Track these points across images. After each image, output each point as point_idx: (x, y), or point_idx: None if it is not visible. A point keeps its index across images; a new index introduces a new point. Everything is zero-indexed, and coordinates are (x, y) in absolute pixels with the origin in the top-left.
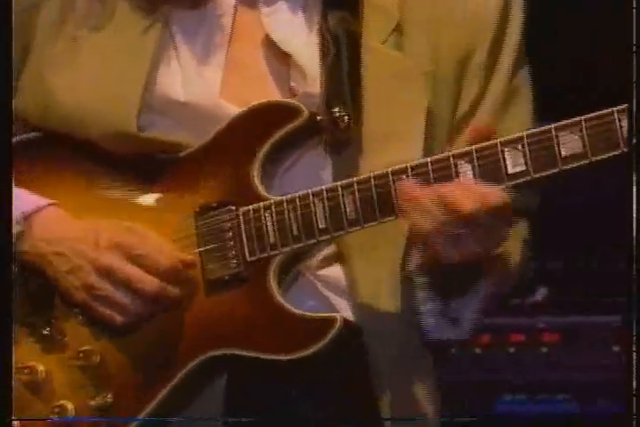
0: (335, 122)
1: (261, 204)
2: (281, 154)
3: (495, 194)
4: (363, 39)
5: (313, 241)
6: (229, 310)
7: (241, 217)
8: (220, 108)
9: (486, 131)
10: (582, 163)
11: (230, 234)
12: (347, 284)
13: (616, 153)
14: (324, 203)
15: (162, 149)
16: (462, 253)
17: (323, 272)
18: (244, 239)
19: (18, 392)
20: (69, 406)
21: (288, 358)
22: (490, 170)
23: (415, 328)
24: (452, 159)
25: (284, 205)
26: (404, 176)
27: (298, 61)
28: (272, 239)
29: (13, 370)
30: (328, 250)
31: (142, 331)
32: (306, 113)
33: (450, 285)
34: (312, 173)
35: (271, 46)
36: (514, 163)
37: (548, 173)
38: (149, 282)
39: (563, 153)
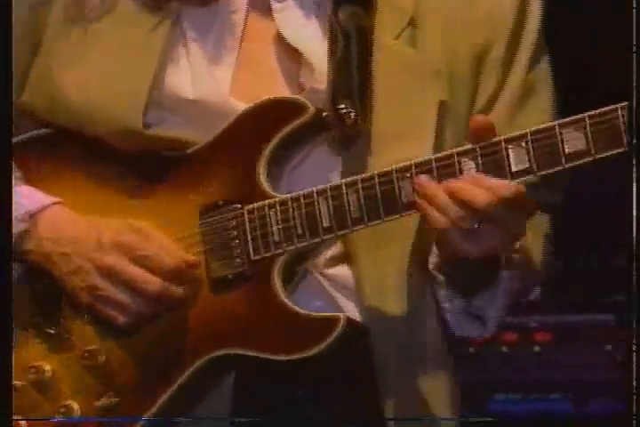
0: (341, 118)
1: (266, 202)
2: (287, 151)
3: (506, 186)
4: (375, 35)
5: (317, 240)
6: (234, 309)
7: (246, 215)
8: (230, 106)
9: (486, 123)
10: (586, 160)
11: (235, 232)
12: (354, 283)
13: (620, 150)
14: (328, 201)
15: (168, 146)
16: (480, 247)
17: (330, 271)
18: (249, 238)
19: (24, 392)
20: (75, 406)
21: (291, 358)
22: (493, 167)
23: (424, 327)
24: (455, 157)
25: (289, 203)
26: (408, 174)
27: (307, 58)
28: (276, 238)
29: (13, 370)
30: (335, 249)
31: (147, 331)
32: (311, 109)
33: (471, 281)
34: (321, 171)
35: (282, 43)
36: (517, 160)
37: (552, 170)
38: (152, 282)
39: (566, 150)
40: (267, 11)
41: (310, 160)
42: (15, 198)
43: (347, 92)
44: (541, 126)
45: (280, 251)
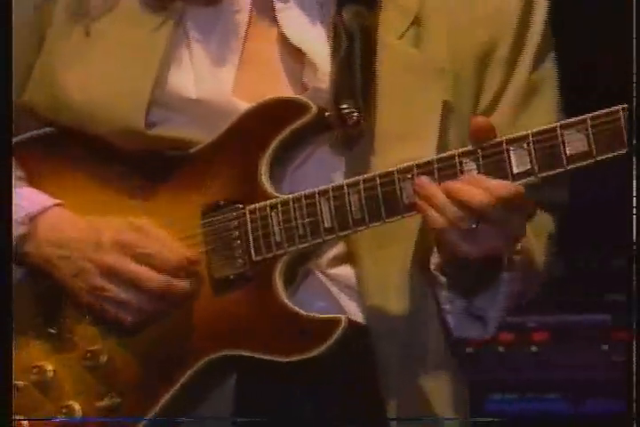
0: (343, 118)
1: (268, 202)
2: (290, 151)
3: (503, 186)
4: (378, 34)
5: (319, 241)
6: (235, 310)
7: (248, 216)
8: (233, 105)
9: (486, 124)
10: (587, 162)
11: (237, 233)
12: (356, 283)
13: (621, 152)
14: (329, 202)
15: (171, 145)
16: (478, 248)
17: (333, 271)
18: (251, 238)
19: (26, 392)
20: (77, 406)
21: (291, 360)
22: (495, 169)
23: (426, 327)
24: (457, 158)
25: (291, 203)
26: (410, 175)
27: (311, 57)
28: (278, 238)
29: (15, 371)
30: (338, 249)
31: (149, 331)
32: (314, 109)
33: (472, 282)
34: (323, 171)
35: (285, 42)
36: (519, 162)
37: (553, 172)
38: (154, 279)
39: (568, 152)
40: (270, 11)
41: (313, 160)
42: (15, 201)
43: (349, 91)
44: (543, 128)
45: (282, 252)
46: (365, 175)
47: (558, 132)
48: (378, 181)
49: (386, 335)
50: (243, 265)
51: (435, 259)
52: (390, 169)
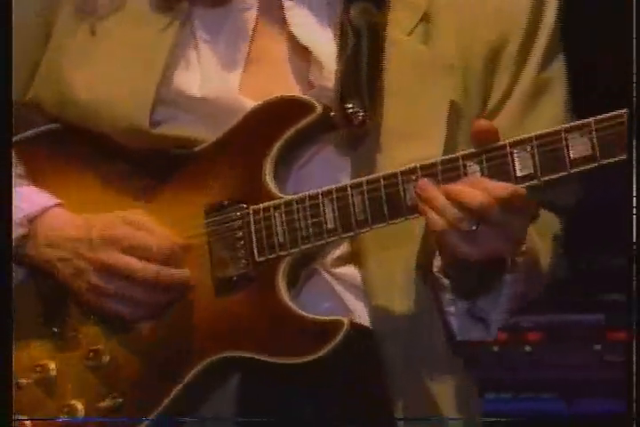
0: (349, 118)
1: (271, 203)
2: (295, 151)
3: (501, 187)
4: (387, 31)
5: (322, 242)
6: (237, 311)
7: (251, 216)
8: (239, 103)
9: (488, 127)
10: (591, 166)
11: (240, 233)
12: (362, 283)
13: (625, 157)
14: (333, 203)
15: (177, 144)
16: (479, 250)
17: (338, 270)
18: (254, 239)
19: (29, 390)
20: (79, 406)
21: (293, 362)
22: (498, 172)
23: (431, 328)
24: (461, 160)
25: (294, 204)
26: (414, 177)
27: (317, 56)
28: (281, 239)
29: (19, 369)
30: (343, 248)
31: (152, 331)
32: (319, 108)
33: (475, 284)
34: (329, 171)
35: (293, 41)
36: (522, 165)
37: (556, 175)
38: (147, 269)
39: (571, 155)
40: (278, 9)
41: (318, 159)
42: (15, 202)
43: (355, 91)
44: (546, 131)
45: (285, 253)
46: (369, 176)
47: (562, 135)
48: (382, 183)
49: (392, 336)
50: (246, 266)
51: (437, 261)
52: (394, 170)
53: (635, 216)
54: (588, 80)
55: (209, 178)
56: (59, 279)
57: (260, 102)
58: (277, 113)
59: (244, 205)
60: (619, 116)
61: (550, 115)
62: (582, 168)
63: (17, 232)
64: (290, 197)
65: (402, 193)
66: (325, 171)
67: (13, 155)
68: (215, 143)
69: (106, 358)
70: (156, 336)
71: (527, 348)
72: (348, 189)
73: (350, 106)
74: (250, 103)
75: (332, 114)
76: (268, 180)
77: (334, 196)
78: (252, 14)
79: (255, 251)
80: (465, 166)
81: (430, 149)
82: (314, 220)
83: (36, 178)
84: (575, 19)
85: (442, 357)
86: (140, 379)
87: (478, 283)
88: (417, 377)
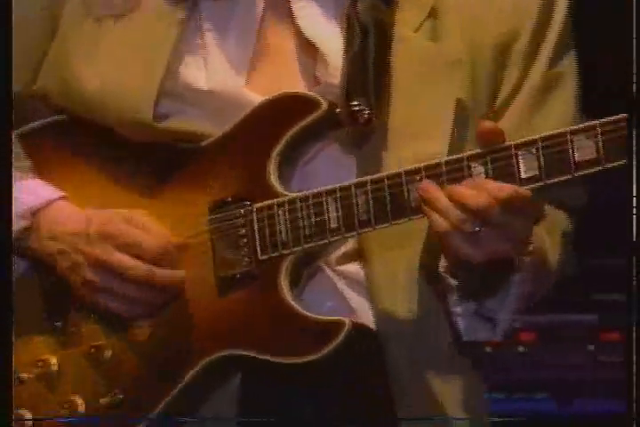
0: (355, 116)
1: (275, 201)
2: (300, 148)
3: (503, 188)
4: (394, 27)
5: (324, 241)
6: (239, 309)
7: (254, 213)
8: (245, 97)
9: (493, 128)
10: (595, 169)
11: (243, 230)
12: (366, 282)
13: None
14: (336, 202)
15: (182, 138)
16: (482, 251)
17: (343, 268)
18: (257, 237)
19: (30, 385)
20: (80, 401)
21: (293, 361)
22: (503, 173)
23: (436, 328)
24: (465, 161)
25: (298, 202)
26: (418, 177)
27: (323, 52)
28: (284, 237)
29: (20, 364)
30: (348, 246)
31: (153, 328)
32: (324, 105)
33: (481, 284)
34: (334, 168)
35: (300, 36)
36: (527, 167)
37: (561, 178)
38: (139, 267)
39: (576, 158)
40: (285, 4)
41: (323, 157)
42: (20, 194)
43: (361, 88)
44: (552, 132)
45: (287, 251)
46: (373, 176)
47: (568, 137)
48: (385, 183)
49: (395, 337)
50: (249, 264)
51: (444, 262)
52: (398, 170)
53: (635, 216)
54: (588, 80)
55: (214, 174)
56: (58, 273)
57: (266, 97)
58: (283, 109)
59: (248, 203)
60: (623, 120)
61: (560, 110)
62: (586, 171)
63: (19, 224)
64: (293, 195)
65: (405, 193)
66: (330, 168)
67: (20, 146)
68: (221, 138)
69: (107, 354)
70: (157, 334)
71: (520, 348)
72: (352, 188)
73: (356, 103)
74: (256, 97)
75: (338, 111)
76: (273, 177)
77: (338, 195)
78: (258, 8)
79: (258, 249)
80: (470, 167)
81: (436, 148)
82: (317, 219)
83: (41, 170)
84: (575, 19)
85: (446, 357)
86: (141, 376)
87: (482, 284)
88: (421, 377)
